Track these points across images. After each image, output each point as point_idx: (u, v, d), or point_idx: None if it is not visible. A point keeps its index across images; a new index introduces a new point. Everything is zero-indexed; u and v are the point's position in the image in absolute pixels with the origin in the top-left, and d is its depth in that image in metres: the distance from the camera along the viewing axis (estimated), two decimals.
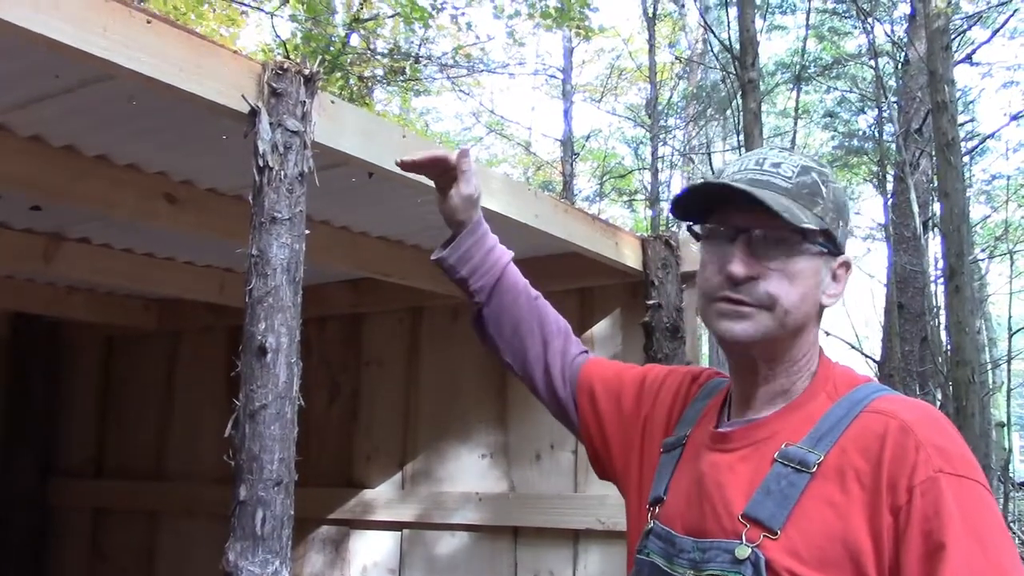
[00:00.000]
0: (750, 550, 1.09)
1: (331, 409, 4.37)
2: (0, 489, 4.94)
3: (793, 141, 12.68)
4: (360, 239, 3.47)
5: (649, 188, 14.51)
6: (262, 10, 10.33)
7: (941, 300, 9.01)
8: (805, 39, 12.15)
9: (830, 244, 1.21)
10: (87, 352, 5.23)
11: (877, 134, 12.12)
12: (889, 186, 11.19)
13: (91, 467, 5.08)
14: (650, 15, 13.76)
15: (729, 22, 9.16)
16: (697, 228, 1.27)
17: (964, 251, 6.45)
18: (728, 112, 12.33)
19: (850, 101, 13.53)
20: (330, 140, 2.19)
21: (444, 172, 1.51)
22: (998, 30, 10.92)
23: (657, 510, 1.26)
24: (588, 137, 16.92)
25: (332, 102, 2.23)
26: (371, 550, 4.14)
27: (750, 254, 1.17)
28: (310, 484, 3.47)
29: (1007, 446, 12.61)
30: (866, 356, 10.68)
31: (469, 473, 3.96)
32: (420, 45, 11.34)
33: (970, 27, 10.91)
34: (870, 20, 10.93)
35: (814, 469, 1.10)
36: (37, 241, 3.51)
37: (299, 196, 2.03)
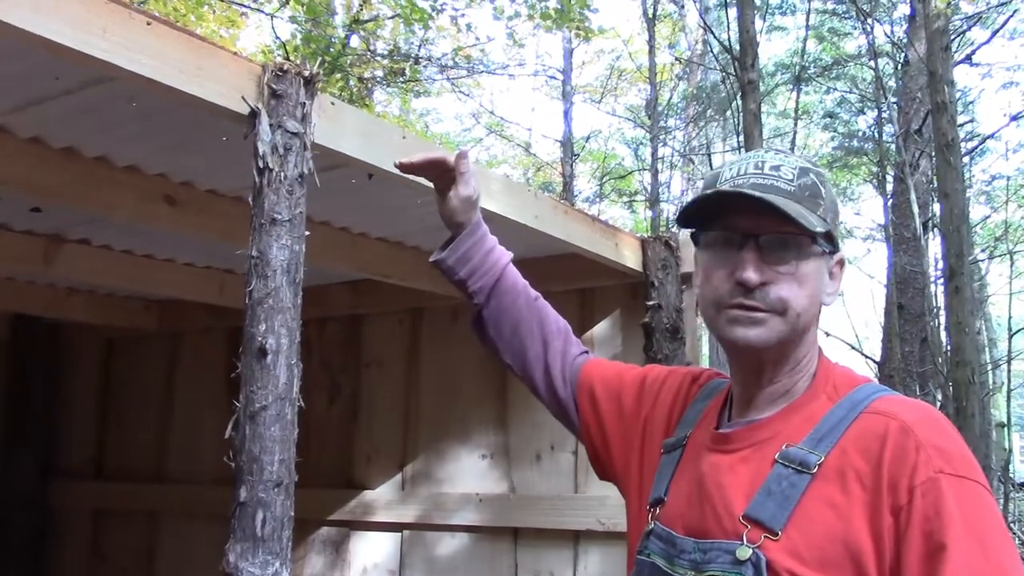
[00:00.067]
0: (751, 551, 1.09)
1: (331, 410, 4.37)
2: (0, 489, 4.94)
3: (793, 142, 12.68)
4: (360, 240, 3.47)
5: (649, 189, 14.51)
6: (262, 11, 10.34)
7: (941, 301, 9.01)
8: (805, 40, 12.15)
9: (830, 244, 1.21)
10: (87, 353, 5.23)
11: (877, 135, 12.11)
12: (889, 187, 11.18)
13: (91, 468, 5.08)
14: (650, 16, 13.76)
15: (729, 23, 9.16)
16: (702, 236, 1.25)
17: (964, 252, 6.45)
18: (728, 113, 12.34)
19: (850, 102, 13.54)
20: (330, 141, 2.19)
21: (443, 174, 1.52)
22: (998, 31, 10.93)
23: (658, 511, 1.26)
24: (588, 138, 16.92)
25: (332, 103, 2.23)
26: (371, 551, 4.14)
27: (760, 259, 1.17)
28: (310, 485, 3.46)
29: (1007, 446, 12.60)
30: (866, 357, 10.68)
31: (469, 474, 3.96)
32: (420, 46, 11.34)
33: (970, 28, 10.92)
34: (870, 21, 10.94)
35: (815, 470, 1.10)
36: (37, 243, 3.51)
37: (299, 197, 2.03)
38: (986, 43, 11.07)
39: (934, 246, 10.43)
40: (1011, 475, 11.37)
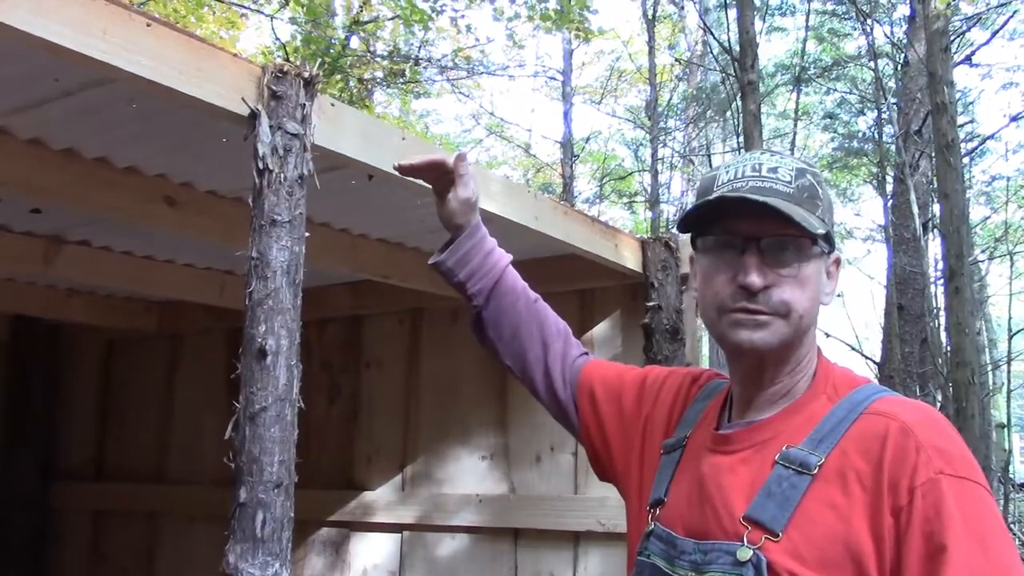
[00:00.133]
0: (752, 552, 1.09)
1: (331, 411, 4.37)
2: (0, 490, 4.94)
3: (793, 143, 12.69)
4: (360, 241, 3.47)
5: (649, 190, 14.52)
6: (262, 13, 10.34)
7: (941, 301, 9.01)
8: (805, 41, 12.16)
9: (829, 244, 1.21)
10: (87, 354, 5.23)
11: (877, 135, 12.11)
12: (889, 187, 11.18)
13: (91, 468, 5.08)
14: (650, 17, 13.77)
15: (728, 24, 9.17)
16: (700, 240, 1.25)
17: (964, 252, 6.45)
18: (728, 114, 12.35)
19: (850, 103, 13.54)
20: (330, 143, 2.19)
21: (442, 176, 1.52)
22: (997, 31, 10.94)
23: (658, 512, 1.26)
24: (588, 139, 16.93)
25: (332, 104, 2.23)
26: (371, 552, 4.14)
27: (762, 263, 1.17)
28: (310, 486, 3.47)
29: (1007, 447, 12.61)
30: (866, 357, 10.68)
31: (469, 475, 3.96)
32: (420, 47, 11.35)
33: (969, 28, 10.92)
34: (869, 22, 10.94)
35: (815, 471, 1.11)
36: (37, 244, 3.51)
37: (299, 199, 2.03)
38: (986, 44, 11.09)
39: (934, 247, 10.44)
40: (1011, 476, 11.37)
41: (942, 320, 8.97)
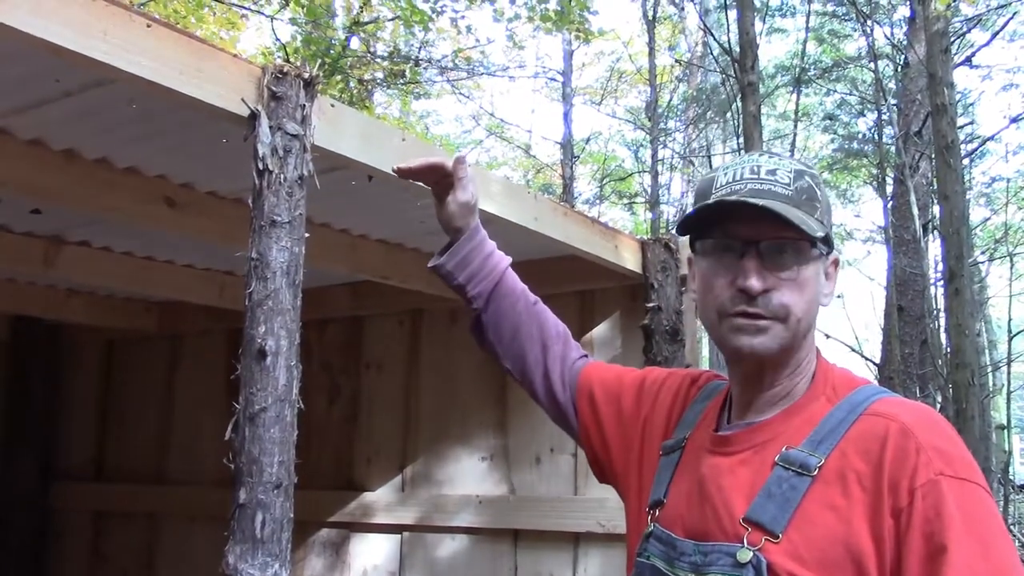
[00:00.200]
0: (752, 553, 1.09)
1: (331, 412, 4.37)
2: (0, 490, 4.95)
3: (793, 144, 12.69)
4: (360, 242, 3.47)
5: (649, 191, 14.51)
6: (262, 13, 10.34)
7: (941, 303, 9.01)
8: (805, 42, 12.16)
9: (827, 246, 1.21)
10: (87, 355, 5.23)
11: (877, 137, 12.11)
12: (889, 189, 11.18)
13: (91, 469, 5.09)
14: (650, 18, 13.77)
15: (729, 25, 9.17)
16: (699, 243, 1.25)
17: (964, 254, 6.45)
18: (728, 115, 12.35)
19: (850, 104, 13.54)
20: (330, 143, 2.19)
21: (441, 179, 1.52)
22: (997, 33, 10.94)
23: (657, 513, 1.26)
24: (588, 140, 16.94)
25: (332, 105, 2.23)
26: (371, 553, 4.14)
27: (762, 266, 1.17)
28: (310, 487, 3.47)
29: (1007, 448, 12.60)
30: (866, 359, 10.67)
31: (469, 476, 3.96)
32: (420, 48, 11.35)
33: (969, 30, 10.92)
34: (870, 23, 10.94)
35: (815, 472, 1.11)
36: (37, 244, 3.51)
37: (299, 199, 2.03)
38: (986, 45, 11.09)
39: (934, 248, 10.43)
40: (1011, 477, 11.37)
41: (942, 321, 8.98)
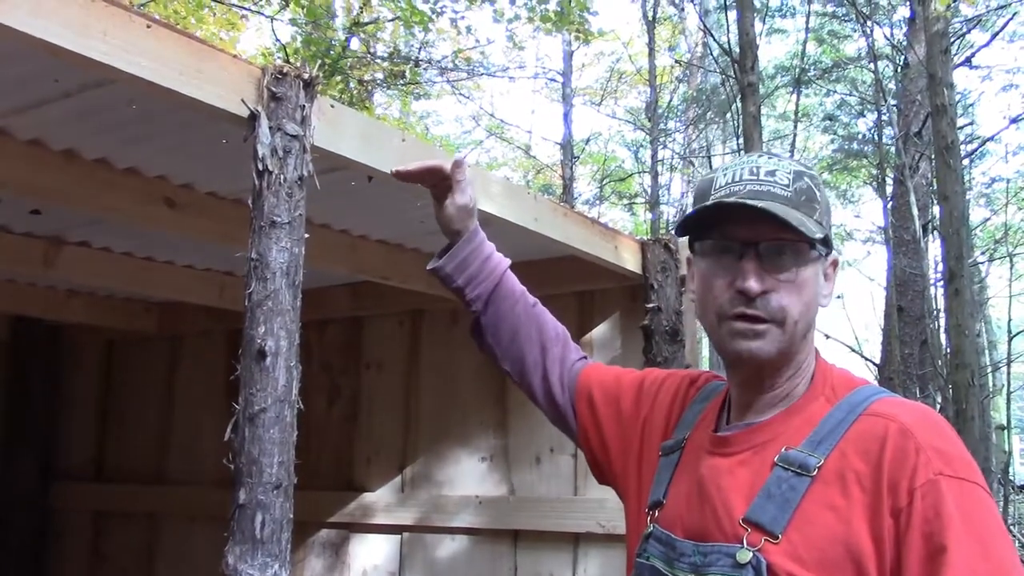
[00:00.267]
0: (751, 554, 1.09)
1: (331, 412, 4.37)
2: (0, 490, 4.95)
3: (793, 144, 12.69)
4: (360, 243, 3.47)
5: (649, 191, 14.51)
6: (262, 14, 10.34)
7: (941, 303, 9.00)
8: (805, 42, 12.16)
9: (826, 247, 1.21)
10: (87, 355, 5.23)
11: (877, 137, 12.10)
12: (889, 189, 11.17)
13: (91, 469, 5.09)
14: (650, 19, 13.77)
15: (728, 26, 9.17)
16: (698, 244, 1.25)
17: (964, 254, 6.45)
18: (728, 115, 12.34)
19: (850, 104, 13.53)
20: (330, 144, 2.19)
21: (440, 181, 1.52)
22: (997, 33, 10.94)
23: (657, 514, 1.26)
24: (588, 140, 16.93)
25: (332, 106, 2.23)
26: (371, 553, 4.13)
27: (760, 268, 1.17)
28: (310, 487, 3.47)
29: (1007, 449, 12.60)
30: (866, 359, 10.67)
31: (469, 476, 3.96)
32: (420, 49, 11.36)
33: (969, 30, 10.93)
34: (869, 23, 10.94)
35: (815, 473, 1.11)
36: (37, 245, 3.51)
37: (298, 200, 2.03)
38: (986, 46, 11.09)
39: (934, 248, 10.43)
40: (1011, 477, 11.37)
41: (942, 322, 8.97)
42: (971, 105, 13.18)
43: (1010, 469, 11.85)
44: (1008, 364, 11.29)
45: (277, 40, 10.58)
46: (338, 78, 10.10)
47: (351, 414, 4.33)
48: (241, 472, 1.90)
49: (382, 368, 4.29)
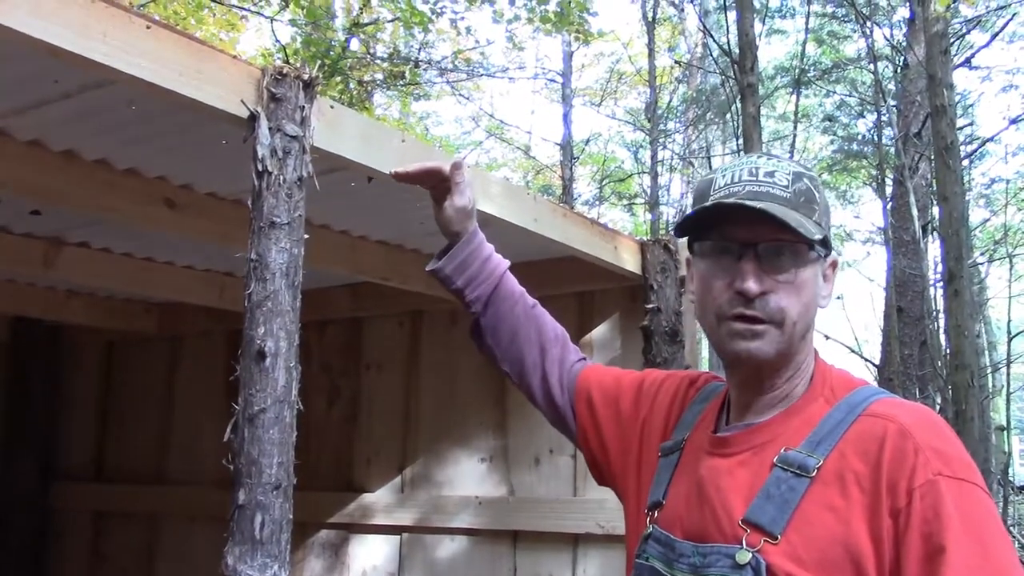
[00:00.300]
0: (751, 555, 1.09)
1: (331, 413, 4.37)
2: (1, 491, 4.95)
3: (793, 145, 12.67)
4: (359, 243, 3.47)
5: (649, 192, 14.50)
6: (262, 15, 10.34)
7: (940, 304, 9.00)
8: (804, 43, 12.15)
9: (825, 248, 1.21)
10: (87, 356, 5.23)
11: (876, 138, 12.10)
12: (888, 190, 11.17)
13: (91, 469, 5.09)
14: (649, 19, 13.77)
15: (728, 26, 9.17)
16: (697, 245, 1.25)
17: (963, 255, 6.45)
18: (727, 116, 12.34)
19: (849, 105, 13.53)
20: (329, 145, 2.19)
21: (439, 183, 1.52)
22: (997, 34, 10.94)
23: (656, 514, 1.26)
24: (588, 141, 16.92)
25: (331, 107, 2.23)
26: (370, 554, 4.14)
27: (759, 269, 1.17)
28: (309, 488, 3.47)
29: (1007, 450, 12.60)
30: (865, 360, 10.66)
31: (468, 477, 3.96)
32: (420, 49, 11.36)
33: (969, 31, 10.93)
34: (869, 24, 10.94)
35: (814, 473, 1.11)
36: (37, 245, 3.52)
37: (298, 200, 2.03)
38: (985, 46, 11.10)
39: (933, 249, 10.43)
40: (1011, 478, 11.37)
41: (941, 323, 8.97)
42: (971, 106, 13.19)
43: (1010, 470, 11.85)
44: (1008, 365, 11.29)
45: (277, 41, 10.58)
46: (338, 79, 10.10)
47: (351, 415, 4.33)
48: (241, 473, 1.90)
49: (382, 369, 4.29)
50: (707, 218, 1.21)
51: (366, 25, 10.80)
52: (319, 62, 8.87)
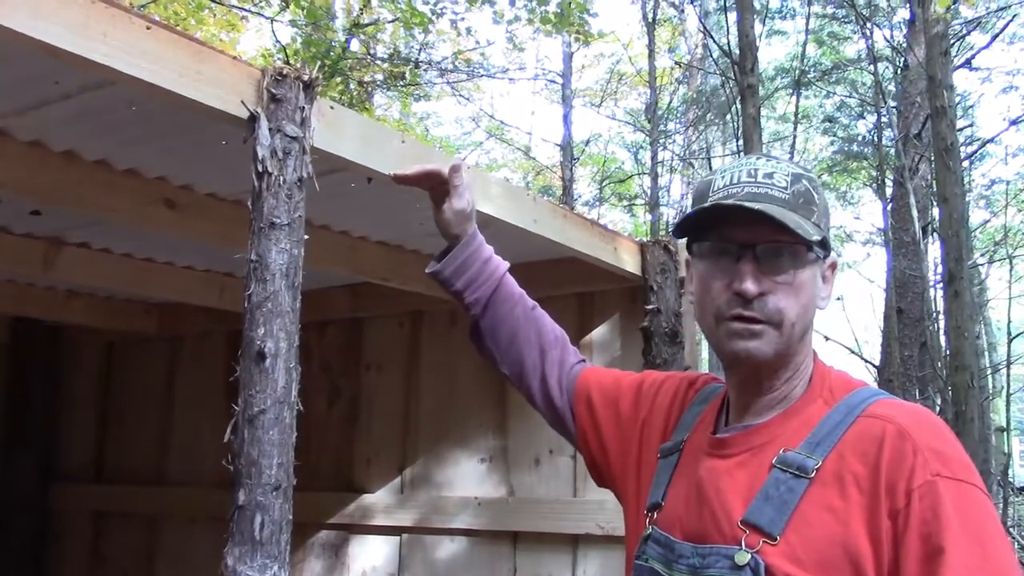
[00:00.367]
0: (750, 556, 1.09)
1: (331, 413, 4.37)
2: (0, 492, 4.95)
3: (793, 146, 12.69)
4: (359, 244, 3.47)
5: (649, 193, 14.51)
6: (262, 15, 10.35)
7: (940, 305, 9.00)
8: (804, 44, 12.15)
9: (824, 249, 1.21)
10: (87, 356, 5.23)
11: (876, 139, 12.10)
12: (888, 191, 11.17)
13: (91, 470, 5.09)
14: (650, 20, 13.77)
15: (728, 27, 9.17)
16: (696, 246, 1.25)
17: (963, 256, 6.45)
18: (728, 117, 12.34)
19: (849, 106, 13.53)
20: (329, 145, 2.19)
21: (438, 185, 1.52)
22: (997, 35, 10.95)
23: (655, 516, 1.26)
24: (588, 142, 16.93)
25: (331, 107, 2.23)
26: (370, 555, 4.14)
27: (758, 269, 1.17)
28: (309, 489, 3.47)
29: (1007, 451, 12.58)
30: (866, 361, 10.66)
31: (468, 478, 3.96)
32: (420, 50, 11.36)
33: (969, 32, 10.93)
34: (869, 25, 10.94)
35: (812, 475, 1.11)
36: (37, 245, 3.52)
37: (298, 201, 2.03)
38: (985, 47, 11.11)
39: (933, 250, 10.43)
40: (1010, 479, 11.36)
41: (941, 324, 8.96)
42: (971, 107, 13.18)
43: (1009, 471, 11.84)
44: (1008, 366, 11.28)
45: (277, 41, 10.59)
46: (338, 79, 10.11)
47: (351, 415, 4.33)
48: (240, 473, 1.90)
49: (382, 369, 4.29)
50: (706, 219, 1.21)
51: (366, 26, 10.80)
52: (319, 63, 8.88)
